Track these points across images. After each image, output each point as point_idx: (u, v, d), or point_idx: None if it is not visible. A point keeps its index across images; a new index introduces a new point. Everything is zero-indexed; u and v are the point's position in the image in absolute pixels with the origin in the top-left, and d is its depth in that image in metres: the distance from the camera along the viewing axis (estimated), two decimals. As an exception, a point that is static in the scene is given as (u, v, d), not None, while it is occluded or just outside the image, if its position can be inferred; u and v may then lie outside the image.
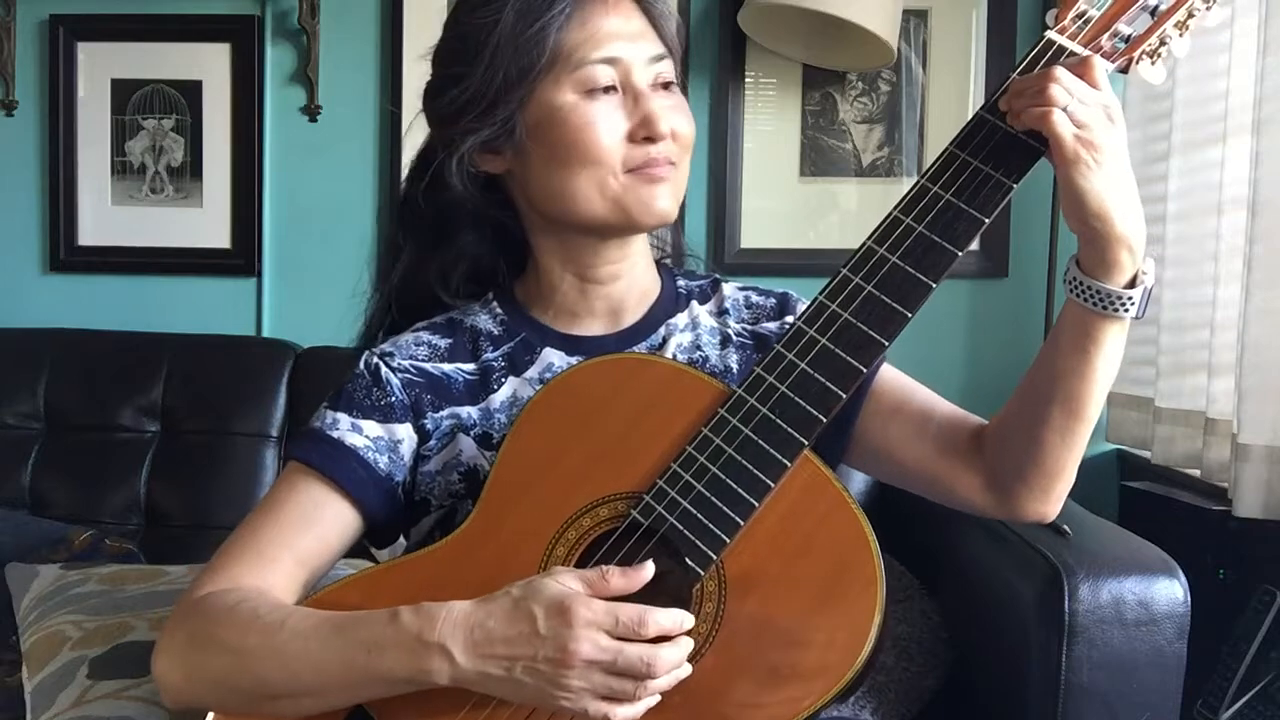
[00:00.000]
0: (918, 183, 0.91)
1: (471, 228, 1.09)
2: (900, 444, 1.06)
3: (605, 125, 0.99)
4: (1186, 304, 1.84)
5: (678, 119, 1.02)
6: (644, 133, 1.00)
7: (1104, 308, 0.90)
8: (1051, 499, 1.01)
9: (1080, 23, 0.91)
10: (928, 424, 1.06)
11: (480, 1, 1.01)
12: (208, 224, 2.27)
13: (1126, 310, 0.90)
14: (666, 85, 1.03)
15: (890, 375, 1.10)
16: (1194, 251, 1.82)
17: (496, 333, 1.09)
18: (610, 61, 1.00)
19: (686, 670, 0.84)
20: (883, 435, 1.07)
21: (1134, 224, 0.88)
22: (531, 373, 1.06)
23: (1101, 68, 0.88)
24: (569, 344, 1.07)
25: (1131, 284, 0.90)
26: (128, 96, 2.27)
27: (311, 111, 2.25)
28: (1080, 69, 0.87)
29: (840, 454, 1.09)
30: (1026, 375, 1.00)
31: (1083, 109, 0.85)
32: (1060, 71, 0.86)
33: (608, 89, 1.00)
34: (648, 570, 0.87)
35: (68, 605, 1.54)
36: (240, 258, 2.26)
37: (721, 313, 1.13)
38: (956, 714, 1.65)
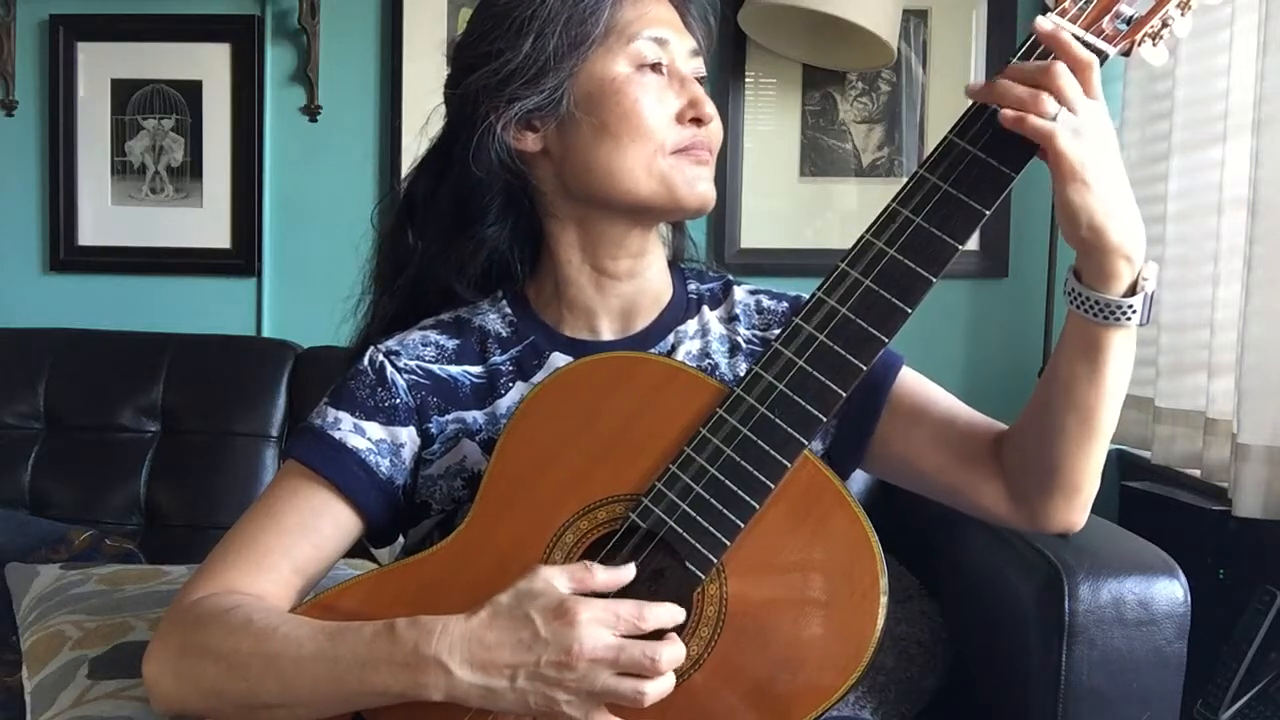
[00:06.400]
0: (916, 173, 0.89)
1: (495, 214, 1.06)
2: (921, 452, 1.05)
3: (657, 100, 1.01)
4: (1186, 304, 1.83)
5: (715, 113, 1.04)
6: (692, 114, 1.02)
7: (1105, 318, 0.88)
8: (1076, 509, 0.99)
9: (1081, 3, 0.87)
10: (949, 432, 1.04)
11: None
12: (207, 224, 2.27)
13: (1129, 318, 0.88)
14: (699, 80, 1.05)
15: (911, 381, 1.08)
16: (1194, 251, 1.82)
17: (505, 334, 1.07)
18: (660, 41, 1.02)
19: (672, 680, 0.82)
20: (904, 443, 1.05)
21: (1130, 233, 0.85)
22: (538, 378, 1.03)
23: (1098, 74, 0.85)
24: (576, 349, 1.05)
25: (1132, 291, 0.87)
26: (128, 96, 2.28)
27: (311, 111, 2.25)
28: (1079, 73, 0.84)
29: (858, 461, 1.07)
30: (1038, 385, 0.98)
31: (1074, 120, 0.82)
32: (1059, 69, 0.83)
33: (655, 66, 1.02)
34: (628, 571, 0.85)
35: (68, 605, 1.53)
36: (240, 258, 2.27)
37: (731, 319, 1.10)
38: (956, 714, 1.64)
